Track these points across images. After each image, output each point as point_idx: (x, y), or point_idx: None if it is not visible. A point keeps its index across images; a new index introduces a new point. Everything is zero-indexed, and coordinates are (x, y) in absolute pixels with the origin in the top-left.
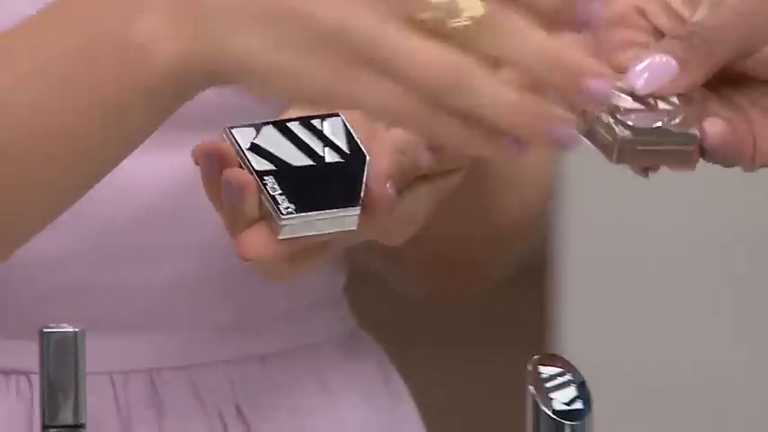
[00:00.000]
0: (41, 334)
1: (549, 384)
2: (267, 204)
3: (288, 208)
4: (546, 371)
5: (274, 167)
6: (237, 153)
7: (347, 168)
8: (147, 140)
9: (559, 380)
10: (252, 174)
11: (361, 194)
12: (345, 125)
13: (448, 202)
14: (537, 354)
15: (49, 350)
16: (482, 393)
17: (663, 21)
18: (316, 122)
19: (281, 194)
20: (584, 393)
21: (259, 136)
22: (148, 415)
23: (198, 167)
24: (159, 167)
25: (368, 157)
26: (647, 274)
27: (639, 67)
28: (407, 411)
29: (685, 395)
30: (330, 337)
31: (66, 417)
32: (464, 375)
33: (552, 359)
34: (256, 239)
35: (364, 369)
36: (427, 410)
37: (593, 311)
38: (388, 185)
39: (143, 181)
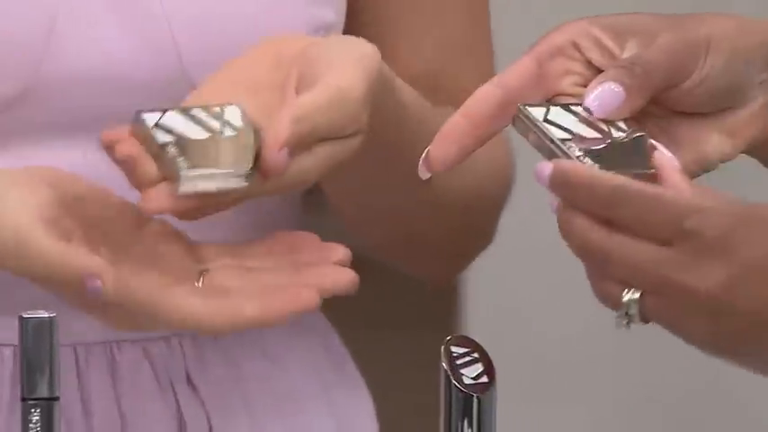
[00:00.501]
0: (20, 319)
1: (459, 362)
2: (169, 167)
3: (186, 167)
4: (456, 350)
5: (173, 138)
6: (147, 133)
7: (240, 139)
8: (57, 140)
9: (468, 358)
10: (158, 146)
11: (252, 158)
12: (241, 110)
13: (391, 175)
14: (449, 335)
15: (27, 333)
16: (400, 370)
17: (594, 54)
18: (216, 108)
19: (180, 158)
20: (489, 369)
21: (163, 117)
22: (105, 383)
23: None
24: (74, 162)
25: (260, 130)
26: (547, 264)
27: (593, 94)
28: (354, 385)
29: (580, 369)
30: None
31: (43, 390)
32: (383, 355)
33: (462, 340)
34: (157, 195)
35: (311, 345)
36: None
37: (499, 297)
38: (281, 152)
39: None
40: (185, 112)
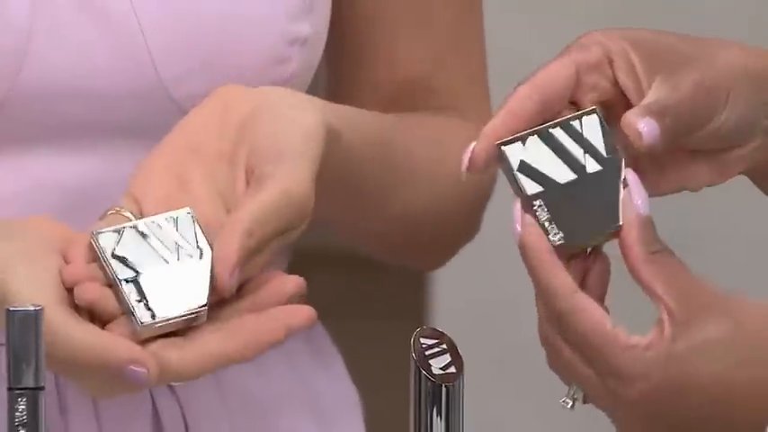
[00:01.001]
0: (7, 312)
1: (428, 353)
2: (126, 307)
3: (143, 317)
4: (425, 342)
5: (129, 272)
6: (104, 260)
7: (195, 268)
8: (63, 144)
9: (437, 349)
10: (115, 280)
11: (207, 292)
12: (194, 221)
13: (341, 193)
14: (418, 327)
15: (13, 325)
16: (371, 360)
17: (623, 77)
18: (170, 224)
19: (138, 303)
20: (457, 360)
21: (120, 242)
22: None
23: (101, 171)
24: (74, 170)
25: (211, 252)
26: (518, 255)
27: (644, 122)
28: (336, 377)
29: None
30: None
31: (29, 380)
32: (355, 345)
33: (431, 332)
34: (119, 332)
35: (293, 344)
36: None
37: (469, 287)
38: (233, 276)
39: (59, 183)
40: (140, 233)
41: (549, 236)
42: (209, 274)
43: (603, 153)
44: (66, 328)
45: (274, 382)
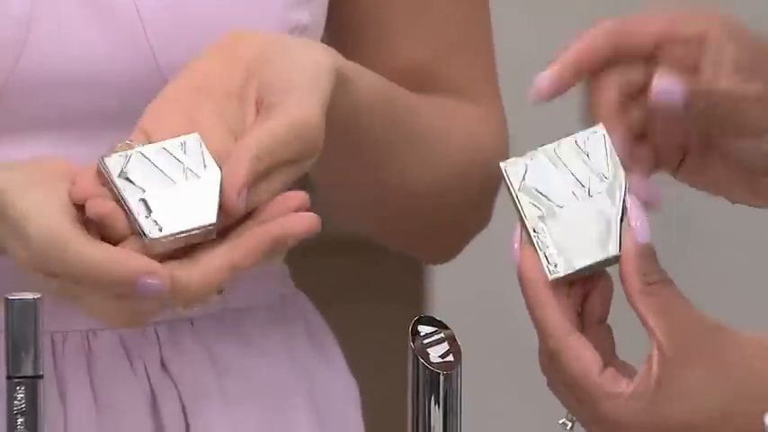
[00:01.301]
0: (6, 301)
1: (426, 341)
2: (135, 226)
3: (151, 231)
4: (424, 330)
5: (137, 193)
6: (112, 182)
7: (202, 187)
8: (64, 134)
9: (435, 337)
10: (124, 201)
11: (215, 209)
12: (201, 146)
13: (348, 148)
14: (417, 313)
15: (12, 314)
16: (369, 346)
17: (706, 65)
18: (177, 148)
19: (146, 219)
20: (455, 348)
21: (127, 165)
22: (81, 369)
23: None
24: (76, 159)
25: (220, 172)
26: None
27: (663, 80)
28: (336, 370)
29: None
30: (258, 302)
31: (27, 369)
32: (353, 331)
33: (430, 320)
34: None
35: (292, 331)
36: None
37: (466, 278)
38: (240, 196)
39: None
40: (147, 157)
41: (549, 267)
42: (217, 193)
43: (607, 174)
44: (76, 245)
45: (274, 372)
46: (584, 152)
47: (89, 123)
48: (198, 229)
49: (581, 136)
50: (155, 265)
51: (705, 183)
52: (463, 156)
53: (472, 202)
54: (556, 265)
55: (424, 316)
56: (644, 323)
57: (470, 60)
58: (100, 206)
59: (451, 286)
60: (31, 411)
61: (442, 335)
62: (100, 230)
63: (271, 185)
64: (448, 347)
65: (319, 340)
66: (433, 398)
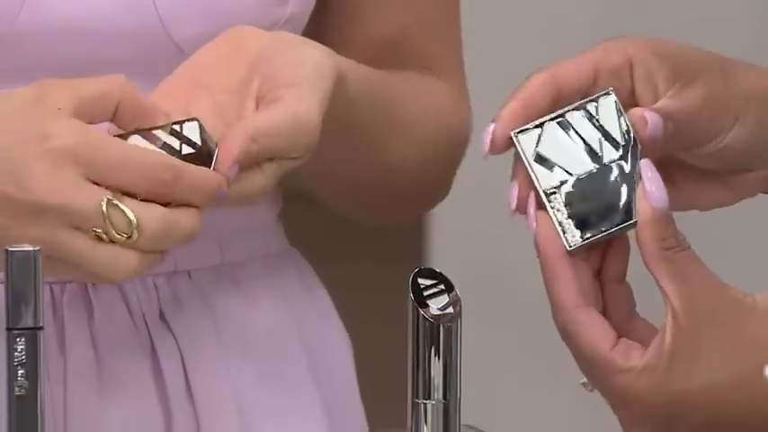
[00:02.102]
0: (7, 252)
1: (426, 293)
2: None
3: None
4: (423, 282)
5: None
6: None
7: (197, 158)
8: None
9: (434, 289)
10: None
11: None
12: (200, 127)
13: (338, 139)
14: (416, 267)
15: (12, 266)
16: (369, 300)
17: (641, 87)
18: (175, 126)
19: None
20: (455, 300)
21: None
22: (81, 322)
23: None
24: None
25: (216, 149)
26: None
27: (647, 114)
28: (329, 323)
29: (545, 297)
30: (254, 255)
31: (28, 320)
32: (354, 285)
33: (429, 272)
34: None
35: (286, 283)
36: None
37: (465, 229)
38: (231, 169)
39: None
40: (147, 134)
41: (566, 236)
42: (211, 164)
43: (620, 139)
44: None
45: (270, 322)
46: (596, 117)
47: (91, 75)
48: None
49: (591, 100)
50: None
51: (676, 200)
52: (435, 134)
53: (441, 176)
54: (573, 235)
55: (424, 268)
56: (660, 289)
57: (438, 35)
58: None
59: (451, 237)
60: (32, 363)
61: (442, 286)
62: None
63: (264, 176)
64: (448, 299)
65: (313, 293)
66: (432, 350)
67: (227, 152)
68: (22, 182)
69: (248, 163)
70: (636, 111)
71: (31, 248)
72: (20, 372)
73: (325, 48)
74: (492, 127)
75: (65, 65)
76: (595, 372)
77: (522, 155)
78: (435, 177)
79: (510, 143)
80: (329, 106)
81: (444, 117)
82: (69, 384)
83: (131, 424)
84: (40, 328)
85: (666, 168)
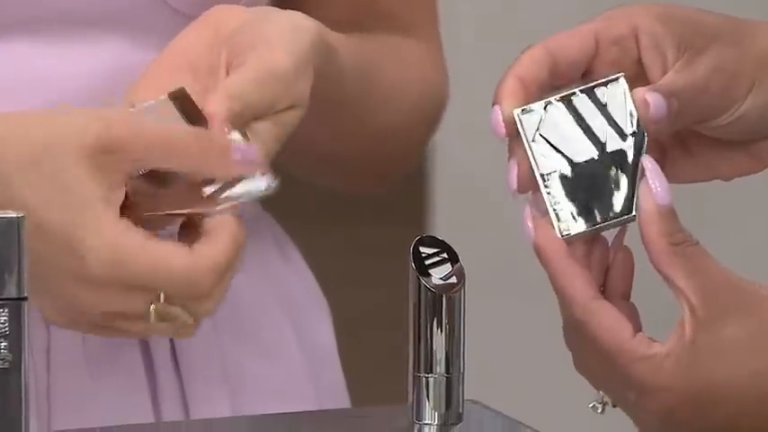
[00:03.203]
0: None
1: (428, 262)
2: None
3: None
4: (425, 250)
5: None
6: None
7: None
8: (47, 36)
9: (437, 258)
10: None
11: None
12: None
13: (325, 110)
14: (418, 234)
15: None
16: (369, 269)
17: (648, 57)
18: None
19: None
20: (458, 269)
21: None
22: None
23: (95, 64)
24: (61, 62)
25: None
26: None
27: (649, 97)
28: (302, 277)
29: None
30: None
31: (11, 291)
32: (353, 252)
33: (431, 240)
34: None
35: (262, 245)
36: (322, 283)
37: (468, 198)
38: (225, 130)
39: (57, 74)
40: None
41: (559, 223)
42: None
43: (626, 128)
44: (146, 246)
45: (252, 286)
46: (602, 102)
47: (66, 24)
48: None
49: (601, 84)
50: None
51: (696, 171)
52: (416, 101)
53: (422, 140)
54: (567, 223)
55: (426, 236)
56: (672, 286)
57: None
58: None
59: (454, 203)
60: (15, 334)
61: (444, 255)
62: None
63: (260, 140)
64: (451, 268)
65: (293, 263)
66: (435, 322)
67: (215, 118)
68: (68, 307)
69: (238, 125)
70: (638, 92)
71: (15, 215)
72: (2, 344)
73: (308, 17)
74: (497, 109)
75: (38, 14)
76: (616, 363)
77: (523, 134)
78: (417, 142)
79: (512, 129)
80: (319, 76)
81: (425, 82)
82: (53, 357)
83: (117, 397)
84: (25, 299)
85: (682, 138)
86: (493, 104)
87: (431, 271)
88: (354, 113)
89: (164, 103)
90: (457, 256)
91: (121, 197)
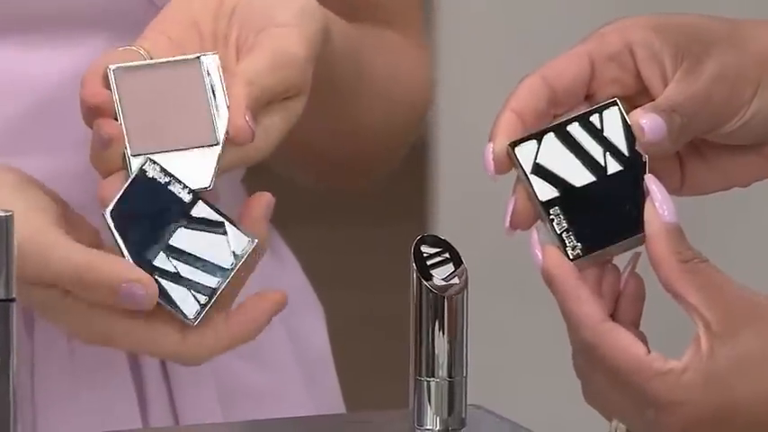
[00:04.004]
0: None
1: (430, 262)
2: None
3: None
4: (427, 250)
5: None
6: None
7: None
8: (34, 37)
9: (439, 258)
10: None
11: (217, 132)
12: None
13: (315, 99)
14: (419, 233)
15: None
16: (373, 269)
17: (647, 70)
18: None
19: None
20: (461, 270)
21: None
22: None
23: (82, 65)
24: (48, 63)
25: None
26: None
27: (644, 120)
28: (294, 278)
29: None
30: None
31: None
32: (353, 252)
33: (433, 239)
34: (113, 187)
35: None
36: (318, 284)
37: (471, 194)
38: (247, 117)
39: (43, 75)
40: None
41: (567, 248)
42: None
43: (625, 152)
44: (65, 244)
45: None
46: (598, 128)
47: (53, 25)
48: (205, 145)
49: (595, 111)
50: (141, 273)
51: (713, 179)
52: (407, 96)
53: (408, 136)
54: (573, 248)
55: (428, 235)
56: (685, 304)
57: None
58: (110, 128)
59: (457, 201)
60: (3, 336)
61: (446, 255)
62: (95, 152)
63: (265, 134)
64: (453, 269)
65: (285, 265)
66: (437, 324)
67: (236, 103)
68: None
69: (255, 110)
70: (633, 116)
71: (3, 213)
72: None
73: (316, 2)
74: (490, 146)
75: (23, 15)
76: (632, 383)
77: (519, 167)
78: (403, 139)
79: (512, 161)
80: (318, 68)
81: (413, 79)
82: (38, 365)
83: (104, 403)
84: (13, 300)
85: (695, 145)
86: (488, 141)
87: (433, 271)
88: (345, 106)
89: (191, 63)
90: (460, 257)
91: None
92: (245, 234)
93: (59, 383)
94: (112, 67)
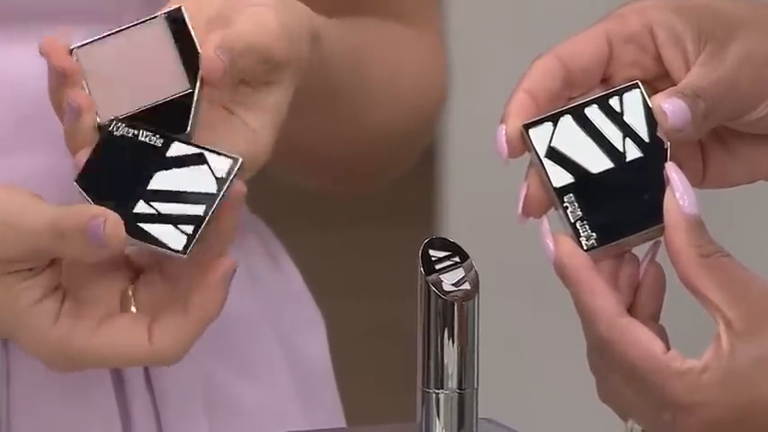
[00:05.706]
0: None
1: (439, 267)
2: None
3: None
4: (436, 254)
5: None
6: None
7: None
8: (20, 34)
9: (448, 263)
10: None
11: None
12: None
13: (311, 105)
14: (427, 235)
15: None
16: (377, 274)
17: (669, 52)
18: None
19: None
20: (471, 275)
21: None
22: None
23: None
24: (32, 60)
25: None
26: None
27: (667, 105)
28: (292, 285)
29: None
30: None
31: None
32: (357, 256)
33: (442, 242)
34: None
35: (246, 249)
36: (321, 292)
37: (482, 194)
38: (218, 52)
39: (31, 75)
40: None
41: (581, 238)
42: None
43: (646, 137)
44: (35, 203)
45: (234, 300)
46: (618, 112)
47: (39, 22)
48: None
49: (614, 94)
50: (107, 211)
51: (738, 171)
52: (413, 97)
53: (420, 136)
54: (588, 238)
55: (436, 238)
56: (704, 301)
57: None
58: (79, 97)
59: (467, 202)
60: None
61: (456, 259)
62: (68, 126)
63: (259, 123)
64: (463, 274)
65: (282, 272)
66: (446, 333)
67: (207, 45)
68: None
69: (233, 57)
70: (655, 100)
71: None
72: None
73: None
74: (502, 127)
75: (7, 11)
76: (649, 382)
77: (533, 150)
78: (415, 139)
79: (524, 146)
80: (309, 71)
81: (422, 78)
82: (13, 382)
83: (86, 424)
84: None
85: (718, 134)
86: (500, 123)
87: (441, 276)
88: (345, 108)
89: (157, 23)
90: (470, 260)
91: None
92: (227, 156)
93: (35, 400)
94: (74, 46)
